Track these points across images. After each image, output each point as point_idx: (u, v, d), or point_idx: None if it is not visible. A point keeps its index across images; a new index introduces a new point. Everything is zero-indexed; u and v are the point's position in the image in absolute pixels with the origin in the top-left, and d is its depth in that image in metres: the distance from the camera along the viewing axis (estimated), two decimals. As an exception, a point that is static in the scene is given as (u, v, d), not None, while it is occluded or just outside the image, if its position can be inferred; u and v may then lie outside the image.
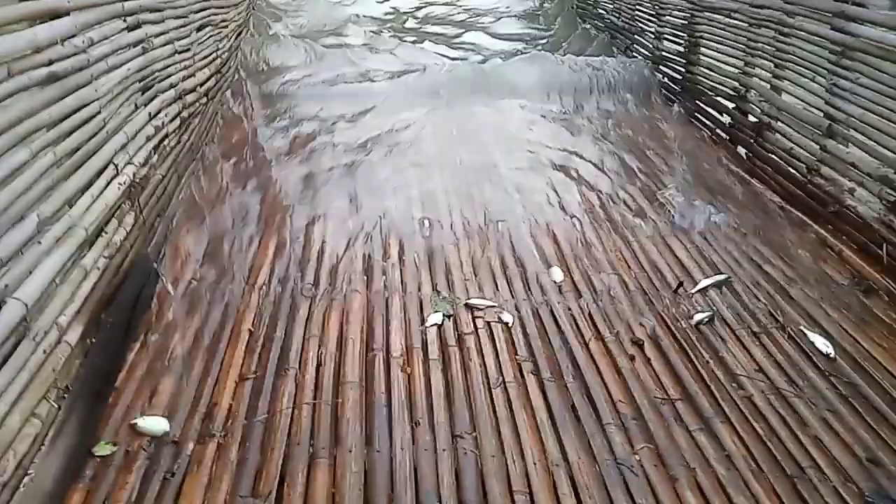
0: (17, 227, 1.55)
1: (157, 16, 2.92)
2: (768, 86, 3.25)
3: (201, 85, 3.64)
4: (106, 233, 2.08)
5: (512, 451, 1.70)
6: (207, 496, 1.55)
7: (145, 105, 2.67)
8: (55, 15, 1.88)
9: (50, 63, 1.78)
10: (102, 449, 1.64)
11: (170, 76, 3.00)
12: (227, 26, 4.63)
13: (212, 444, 1.69)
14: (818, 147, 2.82)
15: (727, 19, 3.69)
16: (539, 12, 7.09)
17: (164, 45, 2.98)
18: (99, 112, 2.12)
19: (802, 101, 2.96)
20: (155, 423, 1.73)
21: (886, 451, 1.73)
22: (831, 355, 2.08)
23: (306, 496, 1.55)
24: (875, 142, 2.48)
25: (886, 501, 1.57)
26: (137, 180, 2.40)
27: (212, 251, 2.63)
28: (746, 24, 3.45)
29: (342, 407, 1.82)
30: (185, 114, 3.23)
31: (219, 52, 4.25)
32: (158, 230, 2.62)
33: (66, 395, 1.65)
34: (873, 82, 2.46)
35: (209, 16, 4.11)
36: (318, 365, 2.00)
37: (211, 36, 4.08)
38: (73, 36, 1.95)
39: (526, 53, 5.60)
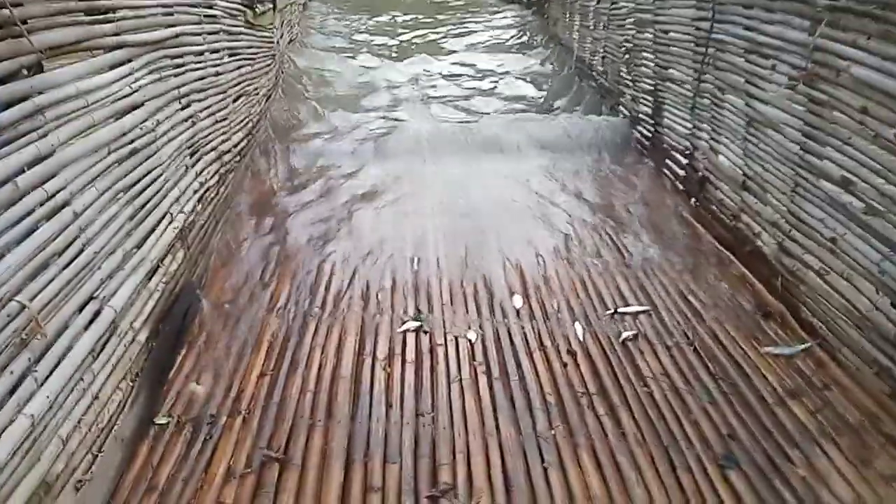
0: (111, 258, 2.23)
1: (202, 94, 3.67)
2: (708, 147, 3.86)
3: (236, 146, 4.38)
4: (163, 264, 2.75)
5: (458, 425, 2.29)
6: (235, 452, 2.16)
7: (193, 166, 3.39)
8: (135, 107, 2.59)
9: (132, 142, 2.49)
10: (162, 419, 2.28)
11: (211, 141, 3.73)
12: (258, 93, 5.43)
13: (239, 419, 2.31)
14: (739, 198, 3.41)
15: (679, 89, 4.34)
16: (539, 73, 7.82)
17: (208, 116, 3.72)
18: (162, 174, 2.82)
19: (728, 160, 3.57)
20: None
21: (742, 430, 2.28)
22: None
23: (305, 450, 2.16)
24: (770, 194, 3.08)
25: (732, 461, 2.12)
26: (186, 225, 3.09)
27: (241, 282, 3.30)
28: (692, 94, 4.10)
29: (335, 394, 2.44)
30: (222, 171, 3.95)
31: (251, 116, 5.02)
32: (200, 264, 3.30)
33: (136, 379, 2.30)
34: (768, 148, 3.08)
35: (245, 87, 4.90)
36: (320, 366, 2.62)
37: (245, 104, 4.86)
38: (146, 120, 2.67)
39: (520, 112, 6.32)
